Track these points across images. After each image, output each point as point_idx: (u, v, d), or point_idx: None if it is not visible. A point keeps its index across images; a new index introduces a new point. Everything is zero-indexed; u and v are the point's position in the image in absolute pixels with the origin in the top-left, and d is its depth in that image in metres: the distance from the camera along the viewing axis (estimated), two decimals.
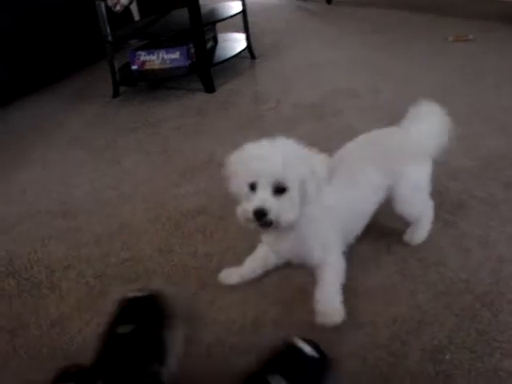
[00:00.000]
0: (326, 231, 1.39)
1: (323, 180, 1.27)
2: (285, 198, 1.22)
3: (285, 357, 1.04)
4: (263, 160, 1.23)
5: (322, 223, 1.37)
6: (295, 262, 1.44)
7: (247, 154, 1.27)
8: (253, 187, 1.24)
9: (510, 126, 2.18)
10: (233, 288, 1.46)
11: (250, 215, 1.22)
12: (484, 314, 1.27)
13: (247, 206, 1.23)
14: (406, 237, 1.54)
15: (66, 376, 1.00)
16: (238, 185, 1.28)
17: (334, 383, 1.07)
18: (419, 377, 1.13)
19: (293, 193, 1.23)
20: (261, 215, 1.20)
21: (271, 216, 1.20)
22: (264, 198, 1.21)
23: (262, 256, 1.50)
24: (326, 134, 2.30)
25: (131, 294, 1.22)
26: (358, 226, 1.49)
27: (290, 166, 1.22)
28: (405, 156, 1.47)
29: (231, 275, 1.49)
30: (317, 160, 1.28)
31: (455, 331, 1.23)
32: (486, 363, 1.14)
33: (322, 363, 1.06)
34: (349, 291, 1.39)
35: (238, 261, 1.53)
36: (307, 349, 1.04)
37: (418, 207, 1.52)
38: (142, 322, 1.14)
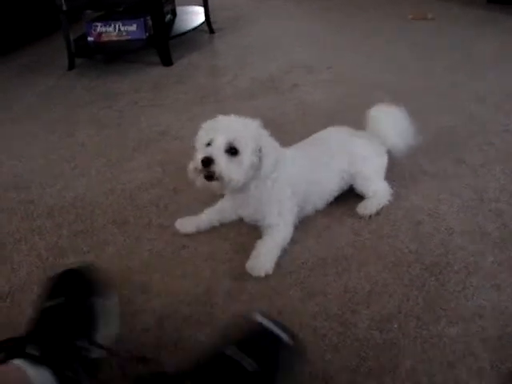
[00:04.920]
0: (283, 201, 1.47)
1: (275, 156, 1.41)
2: (235, 160, 1.34)
3: (254, 336, 1.01)
4: (219, 123, 1.40)
5: (281, 193, 1.47)
6: (251, 222, 1.53)
7: (209, 123, 1.42)
8: (208, 145, 1.36)
9: (461, 103, 2.22)
10: (186, 259, 1.46)
11: (199, 163, 1.33)
12: (432, 284, 1.30)
13: (198, 157, 1.34)
14: (359, 209, 1.57)
15: None
16: (199, 149, 1.39)
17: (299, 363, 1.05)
18: (367, 345, 1.15)
19: (244, 157, 1.34)
20: (207, 163, 1.31)
21: (217, 168, 1.31)
22: (214, 151, 1.33)
23: (220, 209, 1.58)
24: (282, 108, 2.31)
25: (61, 269, 1.20)
26: (320, 202, 1.59)
27: (241, 131, 1.36)
28: (365, 157, 1.61)
29: (187, 224, 1.56)
30: (267, 137, 1.43)
31: (404, 301, 1.25)
32: (431, 331, 1.17)
33: (286, 343, 1.01)
34: (301, 262, 1.41)
35: None
36: (274, 328, 1.00)
37: (376, 186, 1.61)
38: (71, 294, 1.12)
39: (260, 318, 1.02)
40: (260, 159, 1.38)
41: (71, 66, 3.09)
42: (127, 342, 1.21)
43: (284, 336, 0.99)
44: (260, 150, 1.38)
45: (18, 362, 0.94)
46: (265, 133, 1.42)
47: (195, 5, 3.61)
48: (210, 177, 1.33)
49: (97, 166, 2.00)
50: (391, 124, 1.64)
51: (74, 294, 1.12)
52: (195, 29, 3.25)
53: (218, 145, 1.34)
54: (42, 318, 1.08)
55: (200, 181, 1.37)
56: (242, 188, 1.41)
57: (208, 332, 1.22)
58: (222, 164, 1.32)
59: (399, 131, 1.62)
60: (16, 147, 2.25)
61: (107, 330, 1.13)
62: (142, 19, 3.06)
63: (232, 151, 1.34)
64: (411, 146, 1.63)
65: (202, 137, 1.40)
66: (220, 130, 1.36)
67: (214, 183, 1.35)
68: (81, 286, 1.15)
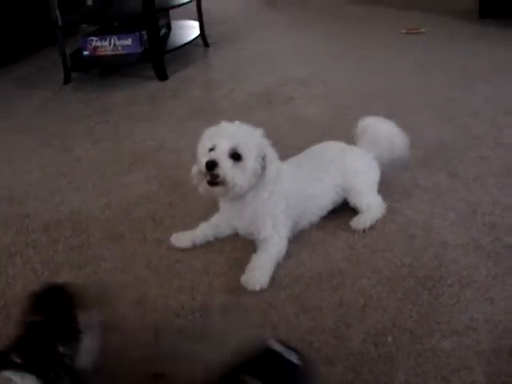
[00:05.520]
0: (277, 214, 1.48)
1: (278, 166, 1.43)
2: (238, 165, 1.35)
3: (262, 360, 0.99)
4: (223, 129, 1.42)
5: (276, 206, 1.48)
6: (246, 236, 1.54)
7: (213, 128, 1.44)
8: (211, 151, 1.37)
9: (456, 117, 2.23)
10: (182, 274, 1.47)
11: (203, 167, 1.33)
12: (425, 298, 1.30)
13: (202, 160, 1.35)
14: (353, 223, 1.58)
15: None
16: (202, 154, 1.40)
17: None
18: (361, 359, 1.15)
19: (247, 163, 1.36)
20: (212, 166, 1.32)
21: (221, 171, 1.32)
22: (218, 155, 1.34)
23: (215, 224, 1.58)
24: (278, 121, 2.34)
25: (39, 288, 1.21)
26: (315, 217, 1.60)
27: (245, 137, 1.38)
28: (358, 171, 1.62)
29: (183, 239, 1.56)
30: (269, 147, 1.44)
31: (398, 314, 1.26)
32: (425, 344, 1.17)
33: (301, 369, 0.99)
34: (296, 276, 1.42)
35: None
36: (287, 354, 0.98)
37: (369, 200, 1.62)
38: (54, 308, 1.13)
39: (271, 343, 1.01)
40: (262, 167, 1.39)
41: (67, 80, 3.10)
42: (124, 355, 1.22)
43: (294, 359, 0.97)
44: (263, 159, 1.39)
45: (5, 373, 0.95)
46: (267, 142, 1.44)
47: (190, 19, 3.62)
48: (214, 182, 1.35)
49: (93, 180, 2.01)
50: (381, 135, 1.68)
51: (56, 308, 1.13)
52: (190, 43, 3.26)
53: (221, 149, 1.35)
54: (24, 332, 1.08)
55: (203, 186, 1.38)
56: (241, 195, 1.42)
57: (204, 346, 1.22)
58: (227, 168, 1.33)
59: (389, 142, 1.66)
60: (12, 160, 2.25)
61: (92, 343, 1.13)
62: (137, 33, 3.07)
63: (235, 156, 1.35)
64: (402, 158, 1.65)
65: (205, 142, 1.41)
66: (224, 136, 1.38)
67: (218, 189, 1.36)
68: (64, 302, 1.16)
